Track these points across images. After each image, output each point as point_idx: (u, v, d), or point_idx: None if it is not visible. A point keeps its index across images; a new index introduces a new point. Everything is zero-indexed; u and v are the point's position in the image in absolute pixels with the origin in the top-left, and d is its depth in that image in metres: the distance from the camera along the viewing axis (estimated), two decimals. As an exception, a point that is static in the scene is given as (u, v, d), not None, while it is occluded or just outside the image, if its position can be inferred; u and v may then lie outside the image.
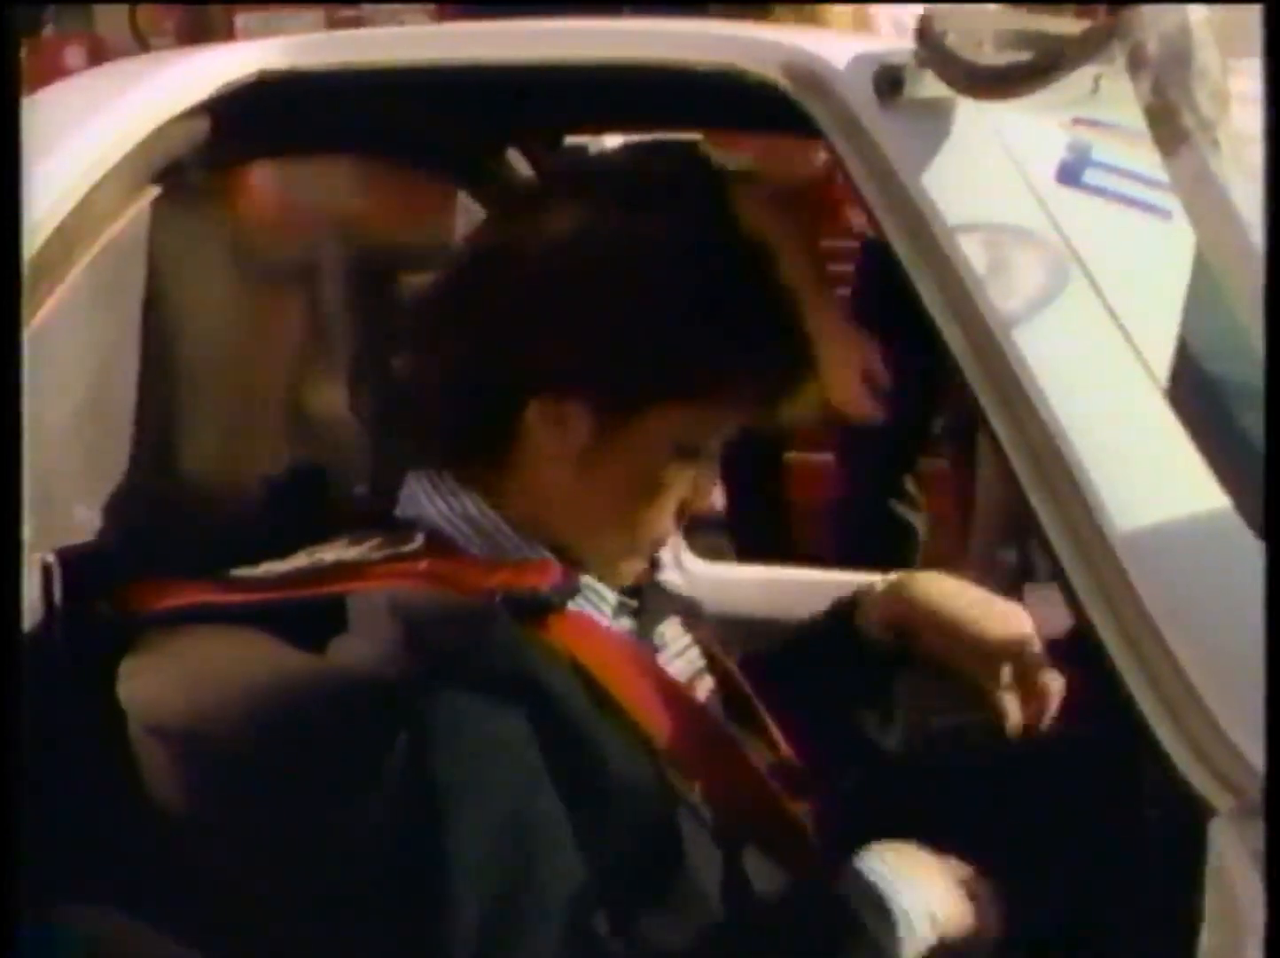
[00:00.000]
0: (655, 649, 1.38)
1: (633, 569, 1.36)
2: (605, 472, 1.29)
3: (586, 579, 1.33)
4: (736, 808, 1.29)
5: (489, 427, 1.30)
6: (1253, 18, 0.71)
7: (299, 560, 1.33)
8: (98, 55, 4.95)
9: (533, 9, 1.50)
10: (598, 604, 1.33)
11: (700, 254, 1.29)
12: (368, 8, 4.95)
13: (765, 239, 1.36)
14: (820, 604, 1.60)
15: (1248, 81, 0.75)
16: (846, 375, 1.97)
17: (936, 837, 1.36)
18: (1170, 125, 0.78)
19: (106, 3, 5.53)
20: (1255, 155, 0.72)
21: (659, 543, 1.38)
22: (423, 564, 1.27)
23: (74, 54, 5.40)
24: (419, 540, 1.29)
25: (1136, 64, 0.78)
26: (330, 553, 1.32)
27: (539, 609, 1.24)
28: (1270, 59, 0.80)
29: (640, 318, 1.26)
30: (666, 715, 1.27)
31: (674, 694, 1.32)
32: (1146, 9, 0.76)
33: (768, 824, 1.31)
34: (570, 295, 1.27)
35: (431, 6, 4.67)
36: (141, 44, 4.99)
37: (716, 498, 1.38)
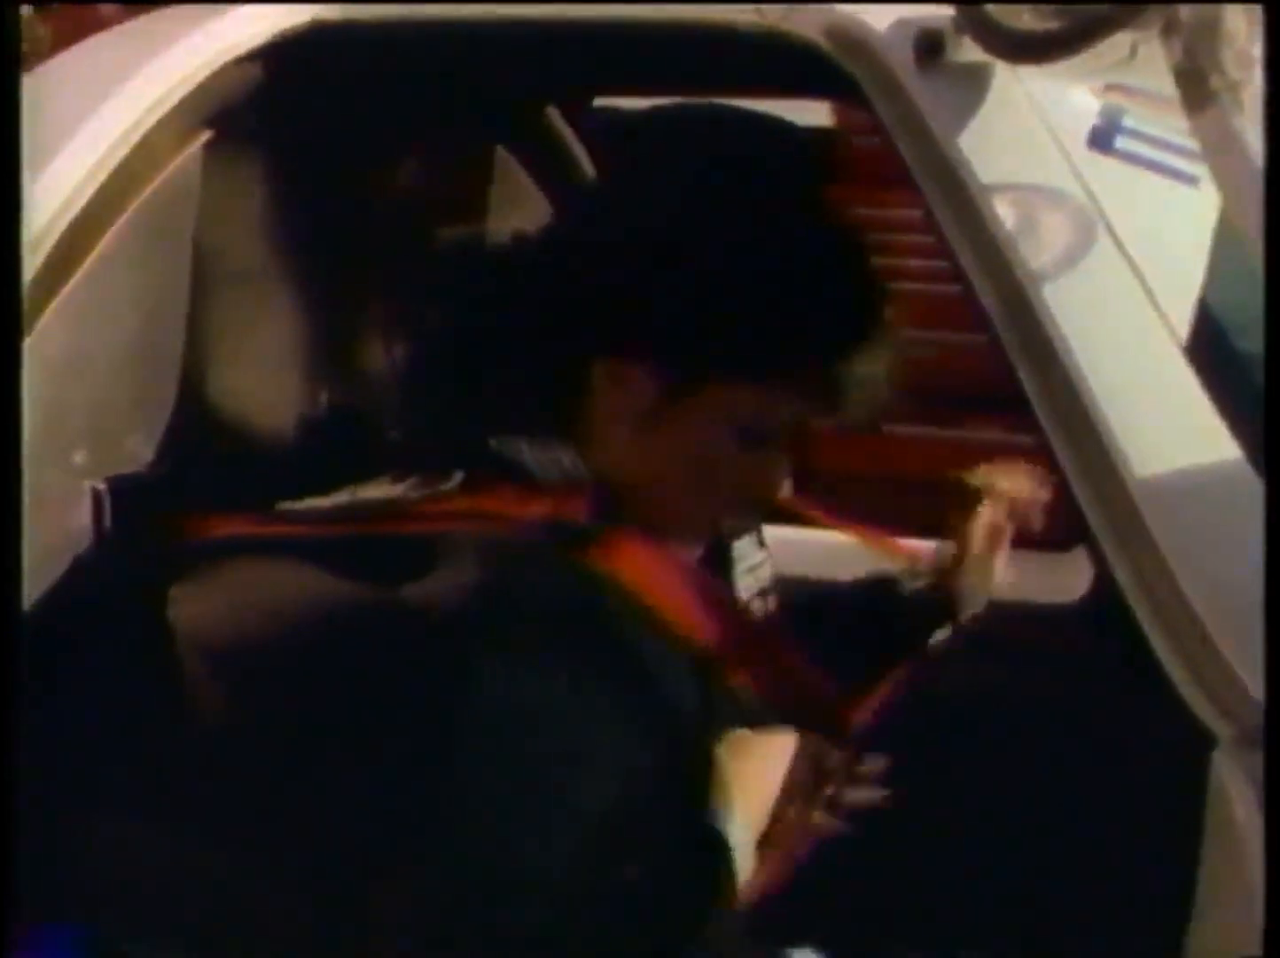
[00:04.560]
0: (733, 561, 1.42)
1: (686, 549, 1.36)
2: (663, 440, 1.30)
3: None
4: (784, 703, 1.32)
5: (557, 384, 1.32)
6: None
7: (342, 498, 1.37)
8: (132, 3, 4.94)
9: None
10: None
11: (781, 241, 1.29)
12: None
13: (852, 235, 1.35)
14: (838, 564, 1.65)
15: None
16: None
17: (958, 778, 1.42)
18: (1198, 86, 0.82)
19: (113, 2, 5.48)
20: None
21: (714, 527, 1.37)
22: (461, 502, 1.31)
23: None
24: (456, 479, 1.33)
25: (1169, 28, 0.82)
26: (373, 491, 1.36)
27: (580, 536, 1.26)
28: (1270, 59, 0.84)
29: (715, 294, 1.26)
30: (711, 622, 1.29)
31: (717, 599, 1.33)
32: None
33: (815, 719, 1.34)
34: (649, 263, 1.28)
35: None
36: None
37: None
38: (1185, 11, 0.79)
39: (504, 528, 1.27)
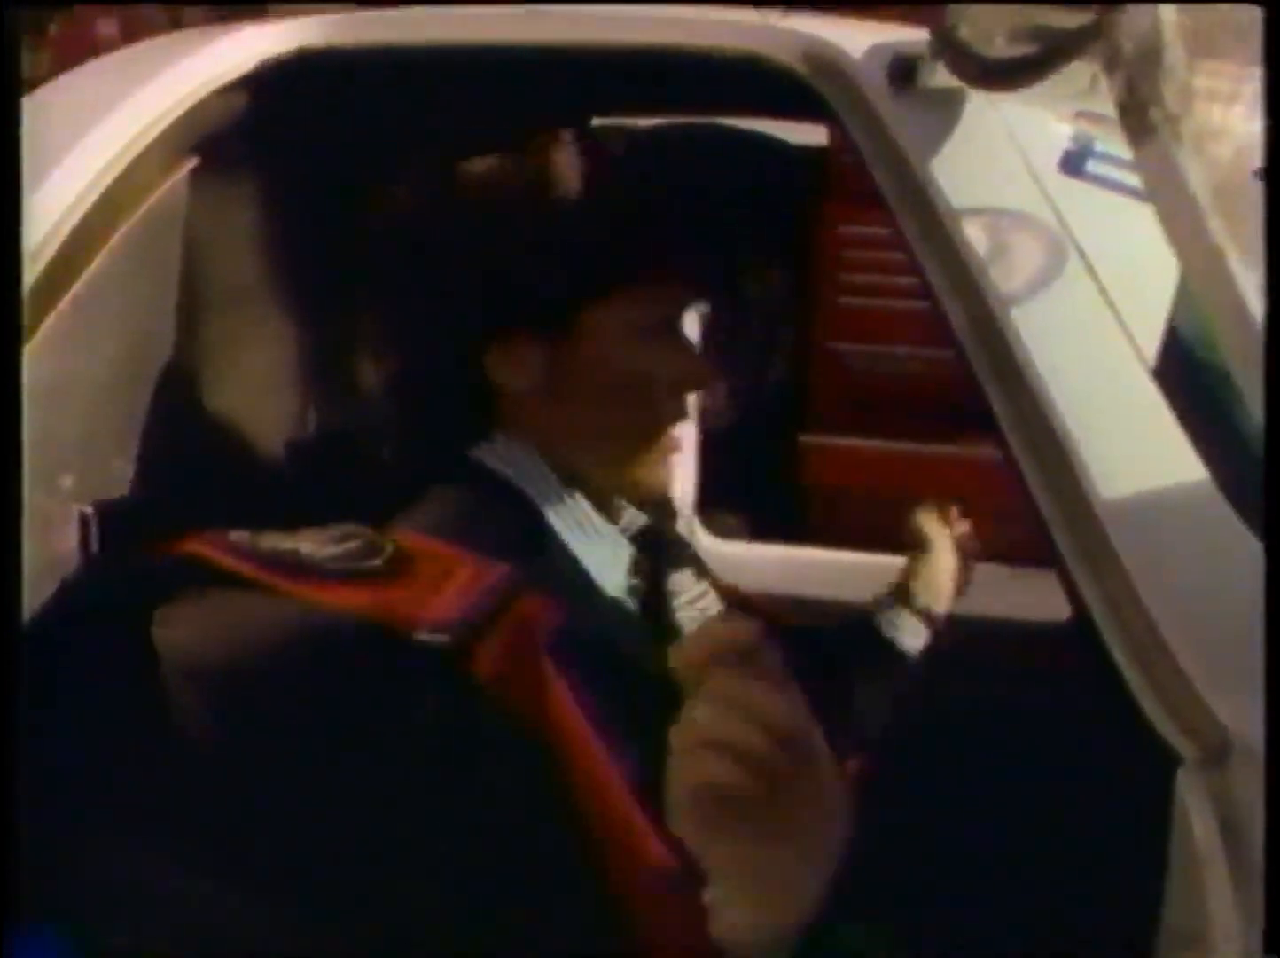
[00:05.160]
0: (670, 595, 1.39)
1: (655, 476, 1.36)
2: (579, 386, 1.30)
3: (599, 523, 1.34)
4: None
5: (464, 387, 1.32)
6: (1226, 20, 0.77)
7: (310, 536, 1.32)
8: (130, 25, 4.99)
9: (563, -7, 1.55)
10: (612, 550, 1.34)
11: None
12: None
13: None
14: (831, 583, 1.66)
15: (1217, 81, 0.81)
16: None
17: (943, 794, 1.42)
18: (1139, 119, 0.84)
19: (111, 3, 5.54)
20: (1219, 149, 0.79)
21: (668, 431, 1.35)
22: (363, 593, 1.21)
23: (106, 23, 5.44)
24: (387, 552, 1.23)
25: (1112, 62, 0.84)
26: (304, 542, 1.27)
27: (462, 640, 1.17)
28: (1270, 59, 0.86)
29: (534, 243, 1.29)
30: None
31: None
32: (1128, 9, 0.83)
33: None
34: (467, 243, 1.30)
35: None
36: (173, 19, 5.03)
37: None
38: (1127, 46, 0.81)
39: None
